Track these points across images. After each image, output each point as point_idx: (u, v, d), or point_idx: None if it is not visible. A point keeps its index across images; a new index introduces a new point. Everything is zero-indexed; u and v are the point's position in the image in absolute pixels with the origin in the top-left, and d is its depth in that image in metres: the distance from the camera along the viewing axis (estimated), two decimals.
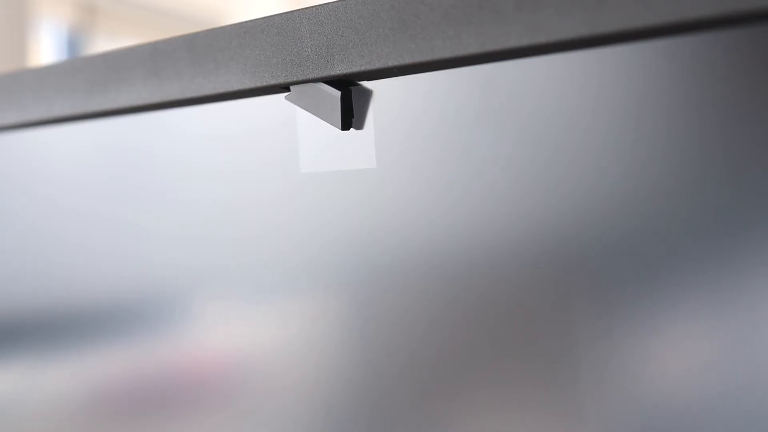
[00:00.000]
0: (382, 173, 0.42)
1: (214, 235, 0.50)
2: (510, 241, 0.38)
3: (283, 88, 0.45)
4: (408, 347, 0.41)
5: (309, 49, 0.43)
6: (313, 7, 0.43)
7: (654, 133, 0.33)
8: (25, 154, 0.63)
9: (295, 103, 0.45)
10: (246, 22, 0.46)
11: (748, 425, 0.31)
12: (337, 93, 0.43)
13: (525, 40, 0.35)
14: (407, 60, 0.39)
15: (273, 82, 0.45)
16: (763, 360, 0.31)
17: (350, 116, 0.43)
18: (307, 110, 0.44)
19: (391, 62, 0.40)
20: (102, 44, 3.70)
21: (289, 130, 0.46)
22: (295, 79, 0.44)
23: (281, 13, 0.45)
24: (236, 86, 0.46)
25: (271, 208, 0.47)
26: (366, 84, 0.43)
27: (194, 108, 0.51)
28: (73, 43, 3.70)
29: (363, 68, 0.41)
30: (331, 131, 0.44)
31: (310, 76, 0.43)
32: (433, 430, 0.41)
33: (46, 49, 3.60)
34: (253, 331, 0.48)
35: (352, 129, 0.43)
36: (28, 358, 0.63)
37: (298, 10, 0.44)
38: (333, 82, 0.43)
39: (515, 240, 0.38)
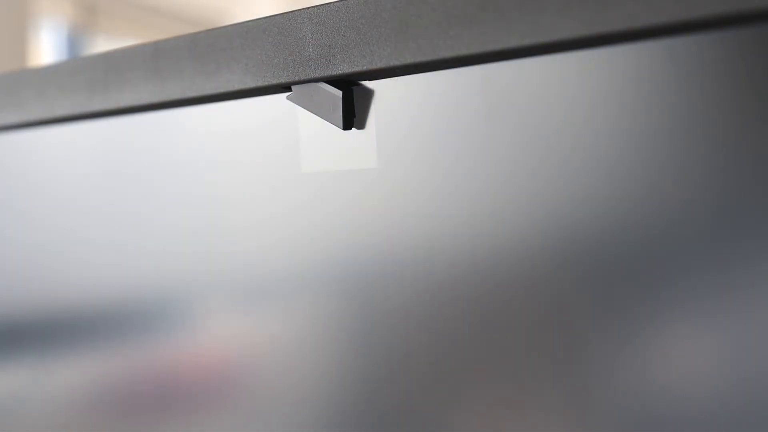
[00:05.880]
0: (383, 173, 0.42)
1: (215, 235, 0.50)
2: (511, 240, 0.38)
3: (285, 87, 0.45)
4: (408, 347, 0.41)
5: (310, 49, 0.43)
6: (314, 6, 0.43)
7: (654, 133, 0.34)
8: (26, 154, 0.63)
9: (297, 103, 0.45)
10: (247, 22, 0.46)
11: (752, 424, 0.31)
12: (339, 93, 0.43)
13: (526, 40, 0.35)
14: (409, 60, 0.39)
15: (274, 81, 0.45)
16: (766, 359, 0.31)
17: (352, 116, 0.43)
18: (308, 110, 0.44)
19: (393, 62, 0.40)
20: (102, 44, 3.70)
21: (291, 130, 0.46)
22: (296, 78, 0.44)
23: (283, 13, 0.45)
24: (238, 86, 0.46)
25: (272, 207, 0.47)
26: (367, 84, 0.43)
27: (196, 108, 0.51)
28: (73, 43, 3.70)
29: (364, 68, 0.41)
30: (333, 131, 0.44)
31: (312, 75, 0.43)
32: (434, 430, 0.41)
33: (46, 49, 3.61)
34: (253, 330, 0.49)
35: (353, 129, 0.43)
36: (29, 357, 0.63)
37: (300, 10, 0.44)
38: (334, 81, 0.43)
39: (516, 239, 0.38)
